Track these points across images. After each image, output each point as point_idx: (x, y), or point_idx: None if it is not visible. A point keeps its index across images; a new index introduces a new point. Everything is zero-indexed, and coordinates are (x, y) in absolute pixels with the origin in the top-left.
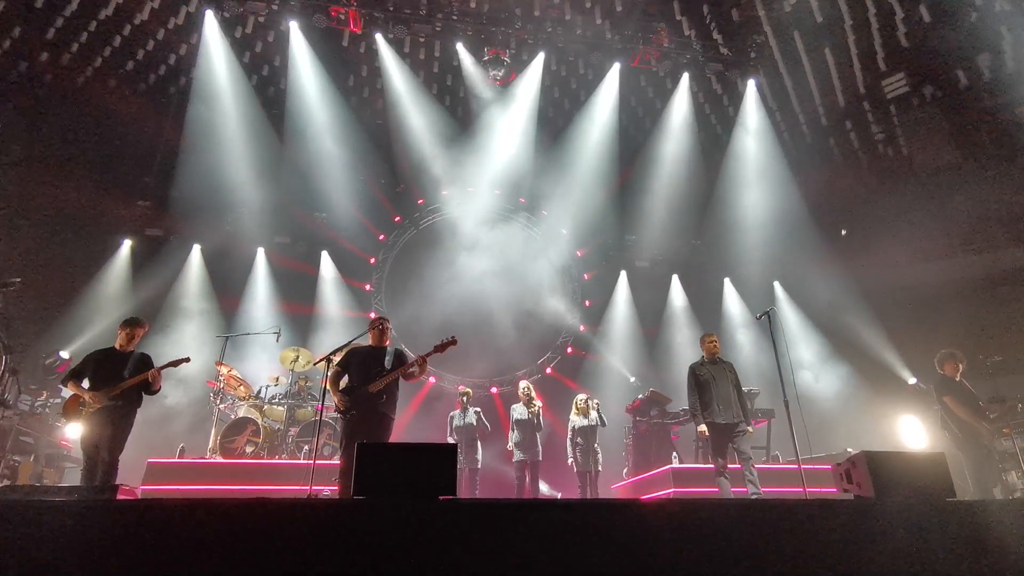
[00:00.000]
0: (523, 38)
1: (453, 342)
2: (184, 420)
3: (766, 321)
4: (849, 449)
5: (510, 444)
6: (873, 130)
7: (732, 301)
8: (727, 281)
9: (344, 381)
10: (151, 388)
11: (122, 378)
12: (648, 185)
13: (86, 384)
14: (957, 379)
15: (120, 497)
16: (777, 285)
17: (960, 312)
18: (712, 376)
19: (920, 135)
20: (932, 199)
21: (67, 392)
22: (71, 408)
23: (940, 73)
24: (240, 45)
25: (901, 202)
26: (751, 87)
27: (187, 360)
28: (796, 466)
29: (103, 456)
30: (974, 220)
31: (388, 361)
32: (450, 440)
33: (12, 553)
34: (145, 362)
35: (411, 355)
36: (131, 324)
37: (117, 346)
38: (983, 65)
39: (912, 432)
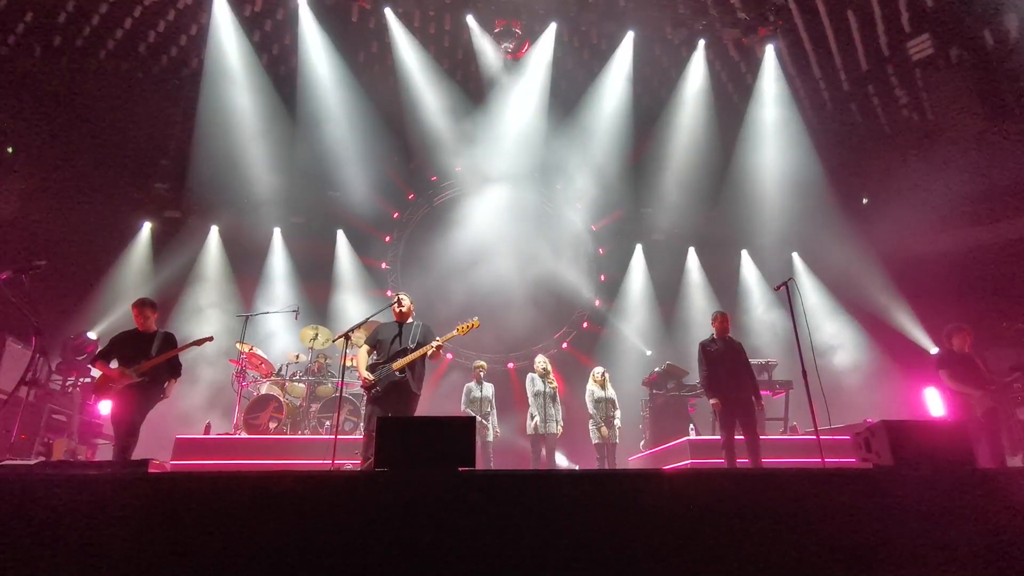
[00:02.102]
0: (534, 8)
1: (476, 324)
2: (209, 398)
3: (784, 292)
4: (869, 420)
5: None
6: (897, 94)
7: (749, 273)
8: (744, 253)
9: (372, 357)
10: (177, 371)
11: (149, 356)
12: (663, 157)
13: (114, 365)
14: (966, 351)
15: (152, 471)
16: (796, 256)
17: (983, 280)
18: (721, 353)
19: (945, 99)
20: (956, 165)
21: (97, 371)
22: (102, 386)
23: (967, 34)
24: (250, 24)
25: (925, 169)
26: (769, 52)
27: (210, 339)
28: (814, 437)
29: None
30: (999, 186)
31: (413, 337)
32: (466, 412)
33: (49, 525)
34: (171, 341)
35: (434, 334)
36: (140, 304)
37: (138, 327)
38: (1010, 25)
39: (935, 403)
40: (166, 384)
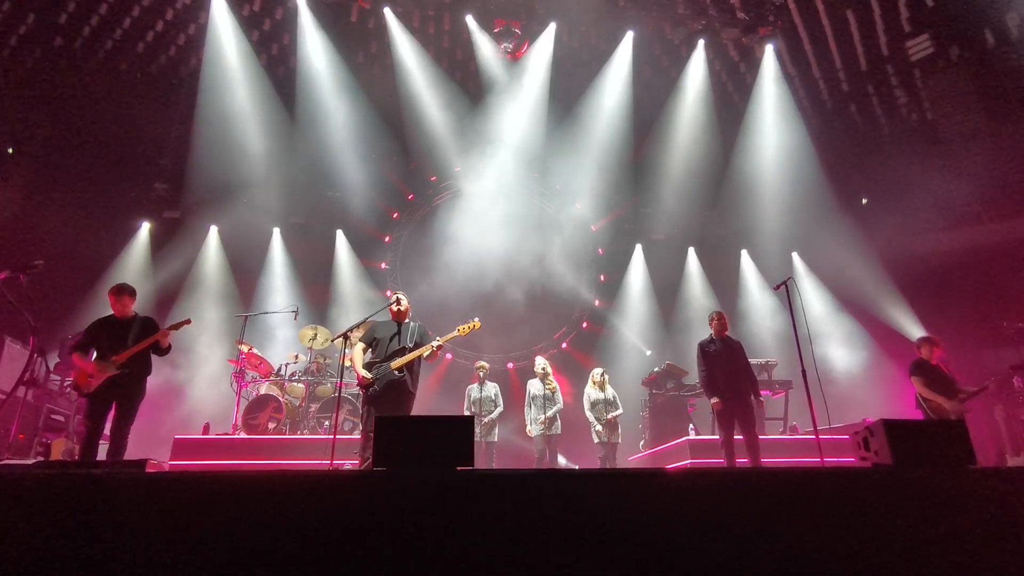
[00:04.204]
0: (533, 8)
1: (477, 326)
2: (208, 398)
3: (784, 292)
4: (868, 419)
5: (527, 420)
6: (896, 95)
7: (749, 273)
8: (744, 252)
9: (368, 356)
10: (160, 349)
11: (127, 345)
12: (663, 157)
13: (95, 355)
14: (934, 362)
15: (149, 471)
16: (795, 256)
17: (983, 279)
18: (720, 353)
19: (945, 99)
20: (956, 165)
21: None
22: (81, 381)
23: (967, 33)
24: (248, 23)
25: (924, 169)
26: (769, 52)
27: (188, 322)
28: (814, 436)
29: (113, 431)
30: (998, 185)
31: (410, 337)
32: (467, 413)
33: (47, 524)
34: (150, 326)
35: (433, 334)
36: (118, 291)
37: (115, 313)
38: (1011, 24)
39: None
40: (160, 334)
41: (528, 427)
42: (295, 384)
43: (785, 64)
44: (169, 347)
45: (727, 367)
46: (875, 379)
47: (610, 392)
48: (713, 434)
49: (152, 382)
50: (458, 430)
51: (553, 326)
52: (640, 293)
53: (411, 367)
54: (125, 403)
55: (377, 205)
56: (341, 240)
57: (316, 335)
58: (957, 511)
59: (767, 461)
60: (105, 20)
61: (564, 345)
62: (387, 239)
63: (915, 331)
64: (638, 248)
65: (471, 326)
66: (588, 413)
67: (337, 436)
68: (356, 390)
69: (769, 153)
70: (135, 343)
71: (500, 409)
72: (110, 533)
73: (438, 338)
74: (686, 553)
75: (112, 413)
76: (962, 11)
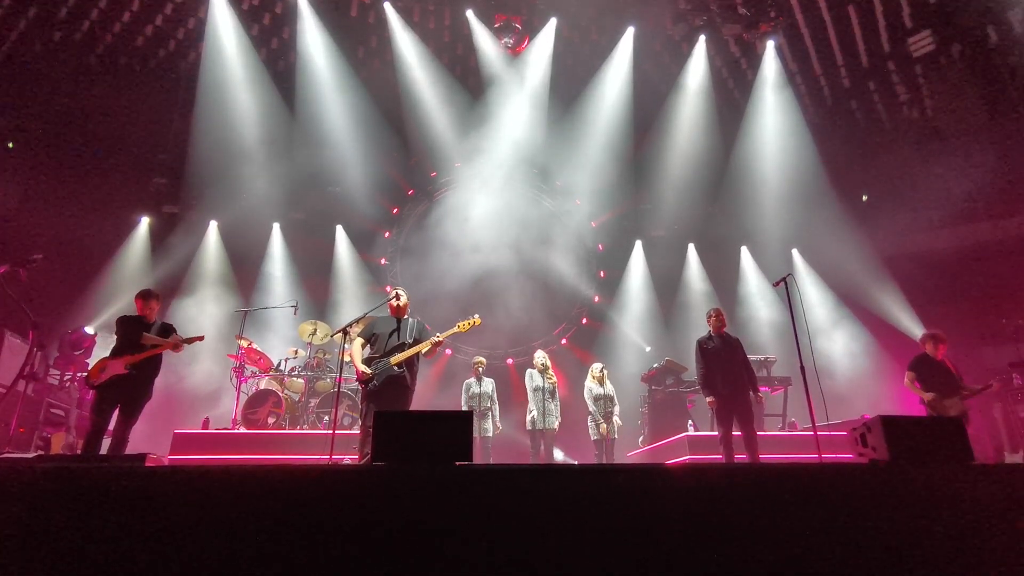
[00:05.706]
0: (534, 3)
1: (478, 322)
2: (208, 393)
3: (783, 288)
4: (867, 416)
5: (527, 412)
6: (897, 91)
7: (749, 269)
8: (744, 249)
9: (367, 351)
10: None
11: (141, 348)
12: (663, 153)
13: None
14: (939, 358)
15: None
16: (795, 252)
17: (983, 277)
18: (718, 350)
19: (946, 96)
20: (956, 162)
21: (92, 362)
22: (93, 375)
23: (969, 30)
24: (248, 17)
25: (925, 166)
26: (770, 48)
27: (201, 338)
28: (812, 432)
29: (116, 428)
30: (999, 183)
31: (410, 333)
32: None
33: (47, 518)
34: (168, 331)
35: (432, 330)
36: (146, 296)
37: (138, 312)
38: (1014, 20)
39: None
40: (172, 345)
41: (542, 420)
42: (295, 379)
43: (786, 60)
44: (181, 349)
45: (726, 364)
46: (874, 376)
47: (609, 387)
48: (712, 430)
49: (157, 379)
50: (456, 425)
51: (553, 322)
52: (640, 289)
53: (410, 363)
54: (131, 402)
55: (377, 200)
56: (341, 235)
57: (316, 330)
58: (954, 507)
59: (765, 457)
60: (104, 14)
61: (564, 341)
62: (387, 234)
63: (914, 328)
64: (638, 244)
65: (471, 322)
66: (591, 407)
67: (336, 431)
68: (355, 385)
69: (770, 149)
70: (150, 348)
71: (498, 427)
72: (110, 527)
73: (438, 334)
74: (685, 548)
75: (117, 411)
76: (964, 7)
